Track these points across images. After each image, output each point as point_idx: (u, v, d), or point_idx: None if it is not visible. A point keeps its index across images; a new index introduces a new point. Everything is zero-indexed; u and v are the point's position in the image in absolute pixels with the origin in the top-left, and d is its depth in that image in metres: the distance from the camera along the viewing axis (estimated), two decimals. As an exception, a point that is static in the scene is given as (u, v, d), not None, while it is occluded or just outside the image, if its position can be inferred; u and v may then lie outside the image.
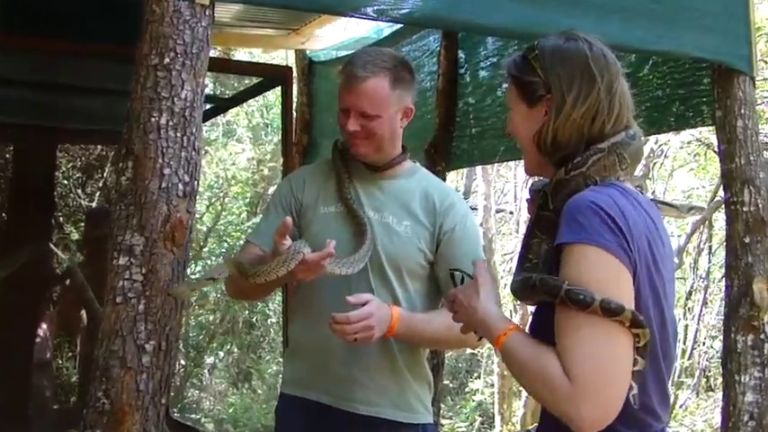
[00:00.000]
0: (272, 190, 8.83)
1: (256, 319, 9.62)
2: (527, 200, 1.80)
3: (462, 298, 1.64)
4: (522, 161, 1.68)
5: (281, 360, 9.90)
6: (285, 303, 3.80)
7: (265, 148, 9.29)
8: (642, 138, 1.62)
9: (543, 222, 1.58)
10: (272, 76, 3.76)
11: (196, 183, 2.10)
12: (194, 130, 2.08)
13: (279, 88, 3.84)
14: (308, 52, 5.06)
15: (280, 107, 3.92)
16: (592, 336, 1.36)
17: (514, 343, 1.47)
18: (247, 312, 9.43)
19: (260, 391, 9.10)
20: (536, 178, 1.75)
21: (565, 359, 1.37)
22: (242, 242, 8.42)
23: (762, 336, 3.02)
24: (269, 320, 9.64)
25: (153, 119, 2.02)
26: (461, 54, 4.19)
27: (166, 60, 2.03)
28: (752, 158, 3.04)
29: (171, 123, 2.03)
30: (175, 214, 2.03)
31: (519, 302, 6.26)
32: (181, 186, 2.05)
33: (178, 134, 2.04)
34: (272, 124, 9.33)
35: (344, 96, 2.14)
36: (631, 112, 1.58)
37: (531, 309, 1.68)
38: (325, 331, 2.13)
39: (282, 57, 8.72)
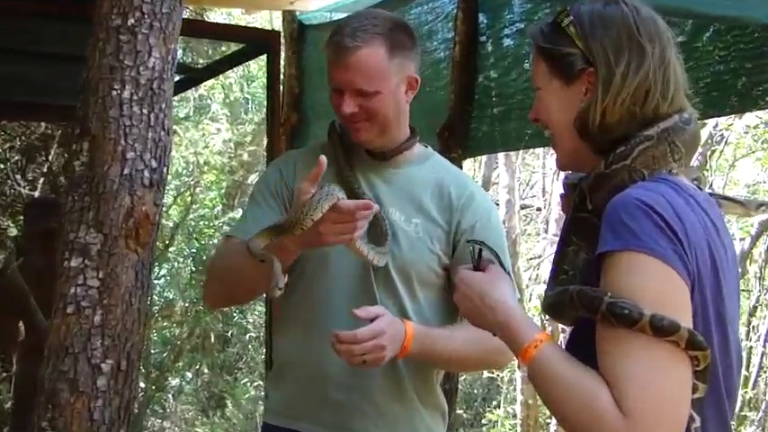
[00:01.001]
0: (252, 179, 8.84)
1: (232, 334, 9.64)
2: (560, 195, 1.79)
3: (474, 286, 1.63)
4: (554, 150, 1.66)
5: (261, 383, 9.89)
6: (268, 315, 3.79)
7: (245, 129, 9.30)
8: (698, 122, 1.59)
9: (580, 226, 1.56)
10: (255, 43, 3.74)
11: (165, 169, 2.09)
12: (163, 107, 2.07)
13: (264, 57, 3.82)
14: (297, 14, 5.04)
15: (264, 80, 3.91)
16: (643, 361, 1.34)
17: (549, 358, 1.44)
18: (221, 326, 9.44)
19: (235, 421, 9.12)
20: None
21: (613, 385, 1.35)
22: (216, 241, 8.43)
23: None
24: (247, 335, 9.65)
25: (114, 92, 2.01)
26: (482, 18, 4.17)
27: (131, 21, 2.01)
28: (832, 147, 3.03)
29: (136, 98, 2.02)
30: (140, 207, 2.03)
31: (550, 321, 6.22)
32: (147, 174, 2.04)
33: (144, 110, 2.03)
34: (253, 100, 9.34)
35: (334, 73, 2.13)
36: (685, 90, 1.57)
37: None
38: (320, 349, 2.12)
39: (266, 19, 8.72)
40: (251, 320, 9.58)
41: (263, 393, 9.95)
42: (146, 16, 2.03)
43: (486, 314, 1.60)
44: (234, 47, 4.51)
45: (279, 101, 3.58)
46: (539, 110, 1.64)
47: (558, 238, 1.69)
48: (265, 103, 3.73)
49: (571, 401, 1.39)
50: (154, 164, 2.06)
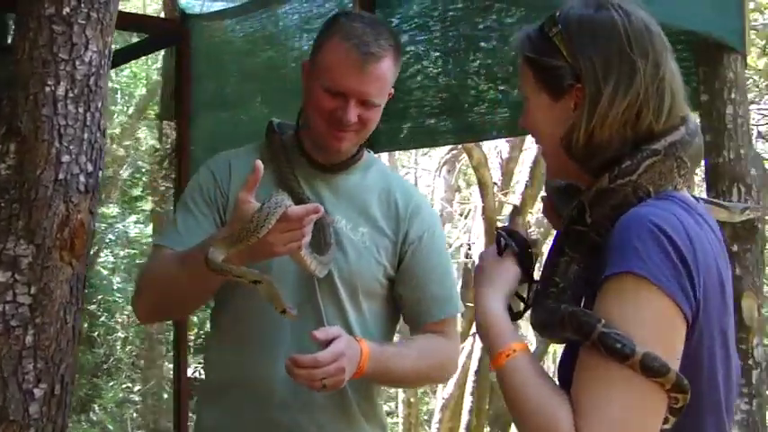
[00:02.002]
0: (127, 174, 8.50)
1: (98, 335, 9.27)
2: (543, 198, 1.74)
3: (481, 269, 1.56)
4: (544, 161, 1.61)
5: (129, 386, 9.55)
6: (177, 331, 3.59)
7: (114, 121, 8.93)
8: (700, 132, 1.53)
9: (575, 239, 1.50)
10: (161, 33, 3.53)
11: (100, 174, 1.93)
12: (99, 105, 1.91)
13: (164, 50, 3.62)
14: (180, 2, 4.85)
15: (158, 72, 3.70)
16: (622, 397, 1.30)
17: (521, 370, 1.41)
18: (87, 325, 9.06)
19: (103, 425, 8.79)
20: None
21: (579, 414, 1.30)
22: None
23: (750, 362, 3.11)
24: (115, 334, 9.32)
25: (48, 88, 1.83)
26: (378, 14, 4.12)
27: (66, 11, 1.84)
28: (742, 152, 3.10)
29: (71, 95, 1.85)
30: (75, 215, 1.86)
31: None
32: (83, 178, 1.87)
33: (80, 109, 1.86)
34: (123, 91, 8.98)
35: (347, 78, 1.99)
36: (686, 98, 1.50)
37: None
38: (261, 366, 2.02)
39: (138, 6, 8.40)
40: (119, 320, 9.25)
41: (131, 396, 9.68)
42: (82, 5, 1.86)
43: (476, 301, 1.55)
44: (137, 38, 4.28)
45: (189, 97, 3.40)
46: (528, 120, 1.56)
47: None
48: (173, 98, 3.52)
49: (531, 419, 1.36)
50: (90, 168, 1.89)
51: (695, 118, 1.54)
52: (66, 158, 1.84)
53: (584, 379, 1.33)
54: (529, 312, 1.61)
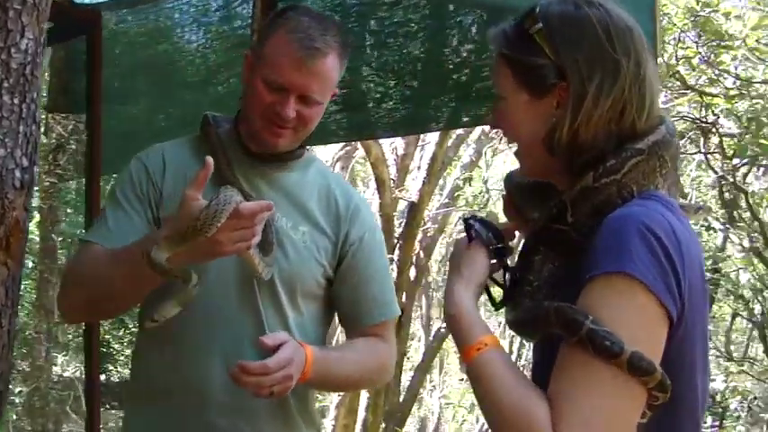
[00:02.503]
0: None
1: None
2: (503, 195, 1.72)
3: (451, 259, 1.54)
4: (519, 162, 1.57)
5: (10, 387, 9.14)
6: (88, 332, 3.42)
7: None
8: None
9: (553, 237, 1.48)
10: (69, 22, 3.33)
11: (36, 169, 1.82)
12: (35, 96, 1.80)
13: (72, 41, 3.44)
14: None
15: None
16: (604, 393, 1.29)
17: (492, 365, 1.38)
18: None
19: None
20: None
21: (558, 412, 1.29)
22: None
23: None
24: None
25: (-19, 77, 1.72)
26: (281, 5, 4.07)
27: (1, -6, 1.73)
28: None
29: (6, 85, 1.73)
30: (11, 213, 1.73)
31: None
32: (18, 174, 1.75)
33: (15, 100, 1.74)
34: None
35: (289, 73, 1.94)
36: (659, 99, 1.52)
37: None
38: (199, 369, 1.96)
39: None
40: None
41: (12, 398, 9.25)
42: (19, -11, 1.75)
43: (445, 294, 1.52)
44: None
45: (99, 92, 3.25)
46: (501, 120, 1.52)
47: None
48: (86, 92, 3.35)
49: (504, 411, 1.34)
50: (25, 162, 1.78)
51: (671, 121, 1.55)
52: (0, 152, 1.74)
53: (565, 375, 1.31)
54: (503, 310, 1.59)
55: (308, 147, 2.21)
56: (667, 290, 1.31)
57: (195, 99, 4.06)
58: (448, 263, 1.58)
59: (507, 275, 1.55)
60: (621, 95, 1.42)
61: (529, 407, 1.31)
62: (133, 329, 8.67)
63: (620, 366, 1.28)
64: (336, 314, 2.18)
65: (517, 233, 1.64)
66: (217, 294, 1.98)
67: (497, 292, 1.57)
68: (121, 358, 9.60)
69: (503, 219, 1.69)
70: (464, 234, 1.59)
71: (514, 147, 1.56)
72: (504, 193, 1.73)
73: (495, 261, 1.55)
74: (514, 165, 1.65)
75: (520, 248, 1.57)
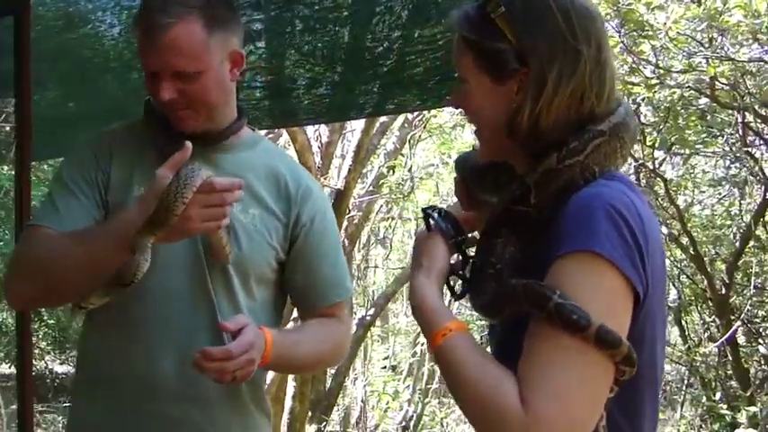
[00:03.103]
0: None
1: None
2: (455, 179, 1.73)
3: (414, 250, 1.53)
4: (479, 144, 1.57)
5: None
6: (19, 320, 3.32)
7: None
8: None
9: (515, 219, 1.49)
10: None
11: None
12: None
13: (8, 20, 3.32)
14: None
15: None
16: (573, 368, 1.31)
17: (458, 349, 1.39)
18: None
19: None
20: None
21: (527, 386, 1.30)
22: None
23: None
24: None
25: None
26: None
27: None
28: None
29: None
30: None
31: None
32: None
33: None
34: None
35: (147, 55, 1.92)
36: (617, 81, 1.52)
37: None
38: (147, 356, 1.93)
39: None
40: None
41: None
42: None
43: (410, 283, 1.52)
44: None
45: (29, 76, 3.14)
46: (464, 101, 1.52)
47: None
48: (14, 76, 3.23)
49: (474, 393, 1.34)
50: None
51: (627, 103, 1.57)
52: None
53: (534, 350, 1.33)
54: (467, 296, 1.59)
55: (253, 127, 2.19)
56: (633, 268, 1.34)
57: (119, 85, 3.98)
58: (410, 255, 1.58)
59: (468, 264, 1.55)
60: (582, 82, 1.44)
61: (496, 385, 1.32)
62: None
63: (588, 340, 1.30)
64: (289, 296, 2.17)
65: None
66: (166, 279, 1.96)
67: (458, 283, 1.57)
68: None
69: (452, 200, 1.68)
70: (423, 225, 1.59)
71: (472, 127, 1.57)
72: (456, 174, 1.73)
73: (455, 251, 1.56)
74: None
75: (480, 232, 1.58)
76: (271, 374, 8.22)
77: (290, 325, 4.32)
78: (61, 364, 12.07)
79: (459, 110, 1.59)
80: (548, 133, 1.45)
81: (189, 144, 1.81)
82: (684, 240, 7.76)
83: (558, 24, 1.44)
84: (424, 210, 1.59)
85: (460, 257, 1.56)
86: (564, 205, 1.39)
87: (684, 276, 8.55)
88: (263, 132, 8.11)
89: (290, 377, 7.45)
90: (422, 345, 11.80)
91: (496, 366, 1.36)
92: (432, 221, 1.57)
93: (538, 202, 1.46)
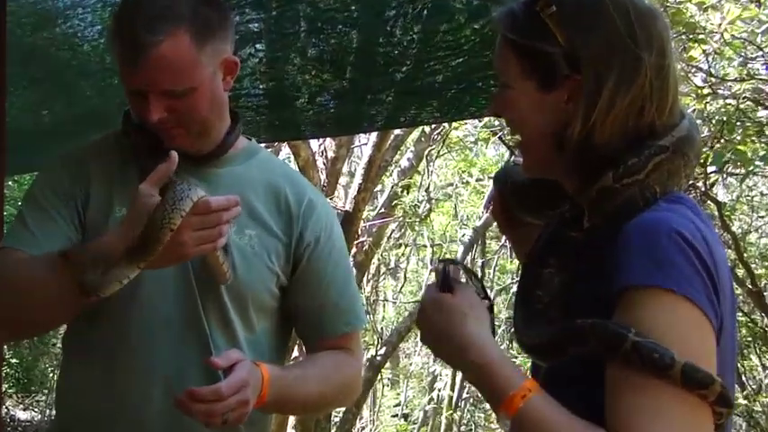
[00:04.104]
0: None
1: None
2: (490, 195, 1.72)
3: (444, 313, 1.47)
4: (521, 155, 1.56)
5: None
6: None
7: None
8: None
9: (566, 245, 1.49)
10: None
11: None
12: None
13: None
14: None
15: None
16: (667, 414, 1.30)
17: (542, 410, 1.36)
18: None
19: None
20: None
21: None
22: None
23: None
24: None
25: None
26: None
27: None
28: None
29: None
30: None
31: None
32: None
33: None
34: None
35: (129, 74, 1.93)
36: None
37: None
38: (133, 392, 1.95)
39: None
40: None
41: None
42: None
43: (455, 350, 1.46)
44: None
45: (4, 80, 3.16)
46: (505, 109, 1.53)
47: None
48: None
49: None
50: None
51: (692, 117, 1.55)
52: None
53: (619, 399, 1.33)
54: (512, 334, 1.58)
55: (250, 137, 2.20)
56: (709, 302, 1.34)
57: (99, 91, 3.99)
58: (423, 317, 1.52)
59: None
60: (641, 92, 1.43)
61: None
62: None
63: (674, 380, 1.30)
64: (294, 327, 2.17)
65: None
66: (153, 308, 1.97)
67: None
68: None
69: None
70: (435, 281, 1.55)
71: (516, 138, 1.57)
72: (494, 191, 1.74)
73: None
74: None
75: (524, 259, 1.58)
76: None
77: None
78: (25, 409, 12.05)
79: (500, 118, 1.59)
80: (601, 148, 1.45)
81: (174, 155, 1.82)
82: (741, 272, 7.72)
83: (615, 26, 1.43)
84: (442, 262, 1.55)
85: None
86: (621, 230, 1.39)
87: (741, 314, 8.49)
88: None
89: (291, 421, 7.44)
90: (439, 390, 11.77)
91: (585, 424, 1.35)
92: (457, 276, 1.53)
93: (591, 227, 1.46)
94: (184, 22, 1.91)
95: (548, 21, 1.45)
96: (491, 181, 1.80)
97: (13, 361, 10.90)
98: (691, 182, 7.18)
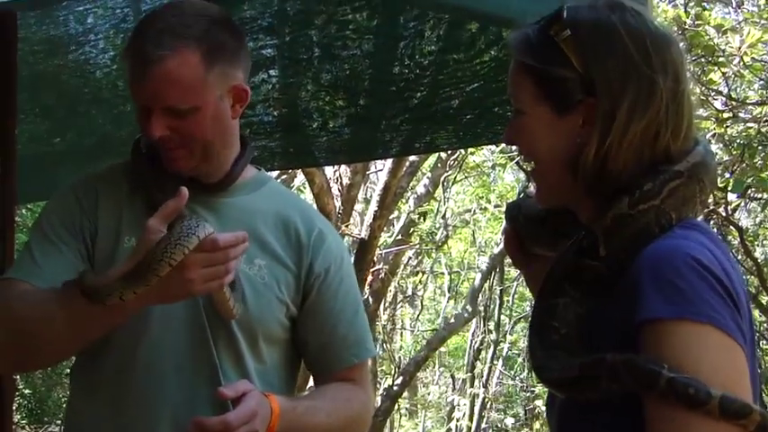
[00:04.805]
0: None
1: None
2: (505, 229, 1.70)
3: None
4: (535, 184, 1.58)
5: None
6: None
7: None
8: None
9: (581, 275, 1.49)
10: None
11: None
12: None
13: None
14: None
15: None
16: None
17: None
18: None
19: None
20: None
21: None
22: None
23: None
24: None
25: None
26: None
27: None
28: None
29: None
30: None
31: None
32: None
33: None
34: None
35: (136, 88, 1.95)
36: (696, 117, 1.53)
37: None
38: (140, 428, 1.94)
39: None
40: None
41: None
42: None
43: None
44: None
45: (15, 106, 3.18)
46: (519, 136, 1.54)
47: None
48: None
49: None
50: None
51: (707, 143, 1.56)
52: None
53: None
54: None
55: (259, 166, 2.21)
56: (735, 324, 1.35)
57: (111, 119, 4.01)
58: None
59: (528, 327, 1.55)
60: (656, 117, 1.44)
61: None
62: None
63: (712, 414, 1.30)
64: (303, 359, 2.17)
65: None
66: (162, 339, 1.98)
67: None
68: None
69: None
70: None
71: (529, 166, 1.59)
72: (507, 224, 1.74)
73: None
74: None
75: (538, 290, 1.57)
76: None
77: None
78: (38, 441, 12.03)
79: (514, 147, 1.59)
80: (616, 174, 1.45)
81: (184, 190, 1.82)
82: (764, 299, 7.66)
83: (630, 50, 1.44)
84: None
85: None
86: (636, 259, 1.39)
87: (764, 341, 8.43)
88: (274, 173, 8.20)
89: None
90: (457, 420, 11.72)
91: None
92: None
93: (608, 255, 1.46)
94: (194, 40, 1.93)
95: (562, 45, 1.46)
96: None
97: (27, 392, 10.89)
98: (711, 207, 7.18)
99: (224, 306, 1.92)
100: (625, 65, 1.44)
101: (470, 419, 11.36)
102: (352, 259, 7.42)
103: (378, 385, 11.37)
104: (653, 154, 1.46)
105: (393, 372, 10.20)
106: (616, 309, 1.39)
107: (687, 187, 1.46)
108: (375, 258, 7.84)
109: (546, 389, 1.65)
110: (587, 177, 1.47)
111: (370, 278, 7.64)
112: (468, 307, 10.34)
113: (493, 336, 12.56)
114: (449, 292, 13.02)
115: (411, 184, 8.83)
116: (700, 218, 1.53)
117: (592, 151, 1.45)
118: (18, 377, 9.33)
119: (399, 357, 12.34)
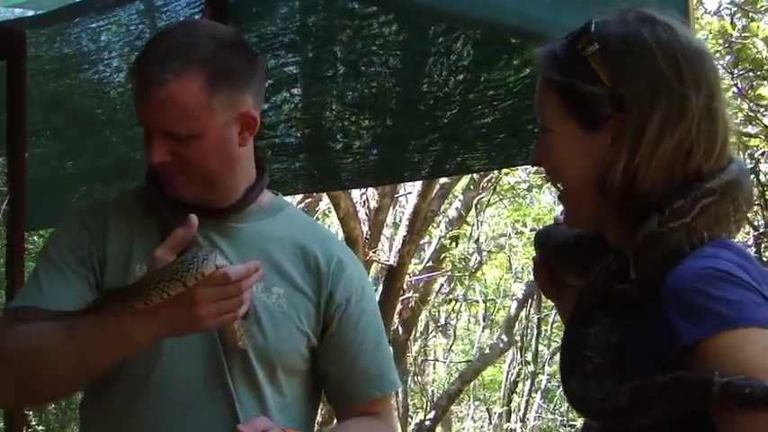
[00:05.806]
0: None
1: None
2: (535, 259, 1.71)
3: None
4: (563, 206, 1.57)
5: None
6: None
7: None
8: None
9: (613, 301, 1.48)
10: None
11: None
12: None
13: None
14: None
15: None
16: None
17: None
18: None
19: None
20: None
21: None
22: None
23: None
24: None
25: None
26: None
27: None
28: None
29: None
30: None
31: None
32: None
33: None
34: None
35: (139, 108, 1.96)
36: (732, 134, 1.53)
37: None
38: None
39: None
40: None
41: None
42: None
43: None
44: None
45: (24, 130, 3.20)
46: (545, 156, 1.54)
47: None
48: (6, 126, 3.30)
49: None
50: None
51: (743, 162, 1.56)
52: None
53: None
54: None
55: (275, 191, 2.20)
56: None
57: (125, 140, 4.03)
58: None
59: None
60: (688, 135, 1.44)
61: None
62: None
63: None
64: (323, 391, 2.17)
65: None
66: (176, 372, 1.97)
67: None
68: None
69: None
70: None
71: (557, 190, 1.59)
72: (537, 255, 1.73)
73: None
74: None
75: (568, 319, 1.58)
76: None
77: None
78: (51, 478, 12.08)
79: (540, 167, 1.58)
80: (645, 193, 1.45)
81: (194, 219, 1.82)
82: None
83: (661, 64, 1.44)
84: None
85: None
86: (669, 279, 1.39)
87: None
88: (298, 197, 8.23)
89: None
90: (493, 457, 11.65)
91: None
92: None
93: (639, 277, 1.45)
94: (199, 63, 1.93)
95: (590, 60, 1.47)
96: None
97: (40, 428, 10.95)
98: (761, 230, 7.12)
99: (230, 336, 1.92)
100: (655, 79, 1.44)
101: (508, 456, 11.31)
102: (381, 287, 7.43)
103: (409, 420, 11.36)
104: (684, 173, 1.46)
105: (425, 406, 10.16)
106: (646, 332, 1.40)
107: (720, 205, 1.46)
108: (404, 286, 7.83)
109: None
110: (616, 196, 1.47)
111: (399, 307, 7.63)
112: (504, 337, 10.33)
113: (530, 367, 12.53)
114: (483, 321, 13.01)
115: (442, 208, 8.83)
116: (740, 239, 1.52)
117: (620, 168, 1.45)
118: (31, 413, 9.39)
119: (432, 390, 12.30)
